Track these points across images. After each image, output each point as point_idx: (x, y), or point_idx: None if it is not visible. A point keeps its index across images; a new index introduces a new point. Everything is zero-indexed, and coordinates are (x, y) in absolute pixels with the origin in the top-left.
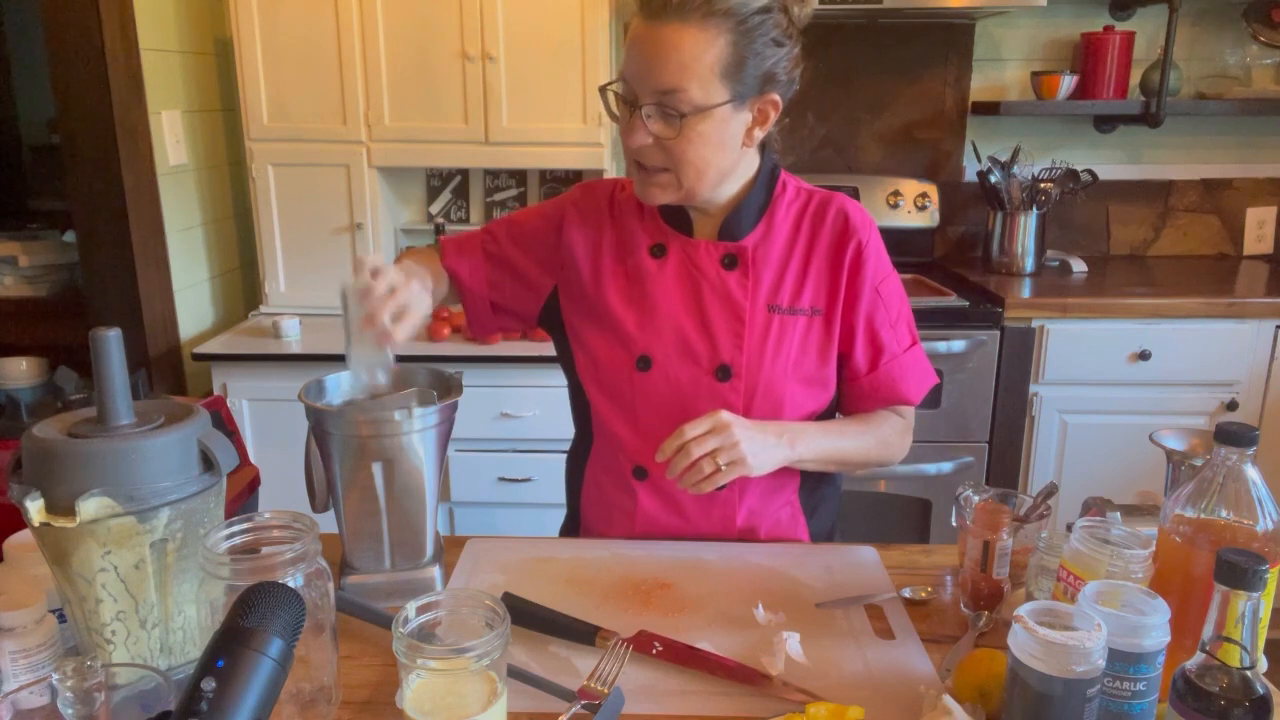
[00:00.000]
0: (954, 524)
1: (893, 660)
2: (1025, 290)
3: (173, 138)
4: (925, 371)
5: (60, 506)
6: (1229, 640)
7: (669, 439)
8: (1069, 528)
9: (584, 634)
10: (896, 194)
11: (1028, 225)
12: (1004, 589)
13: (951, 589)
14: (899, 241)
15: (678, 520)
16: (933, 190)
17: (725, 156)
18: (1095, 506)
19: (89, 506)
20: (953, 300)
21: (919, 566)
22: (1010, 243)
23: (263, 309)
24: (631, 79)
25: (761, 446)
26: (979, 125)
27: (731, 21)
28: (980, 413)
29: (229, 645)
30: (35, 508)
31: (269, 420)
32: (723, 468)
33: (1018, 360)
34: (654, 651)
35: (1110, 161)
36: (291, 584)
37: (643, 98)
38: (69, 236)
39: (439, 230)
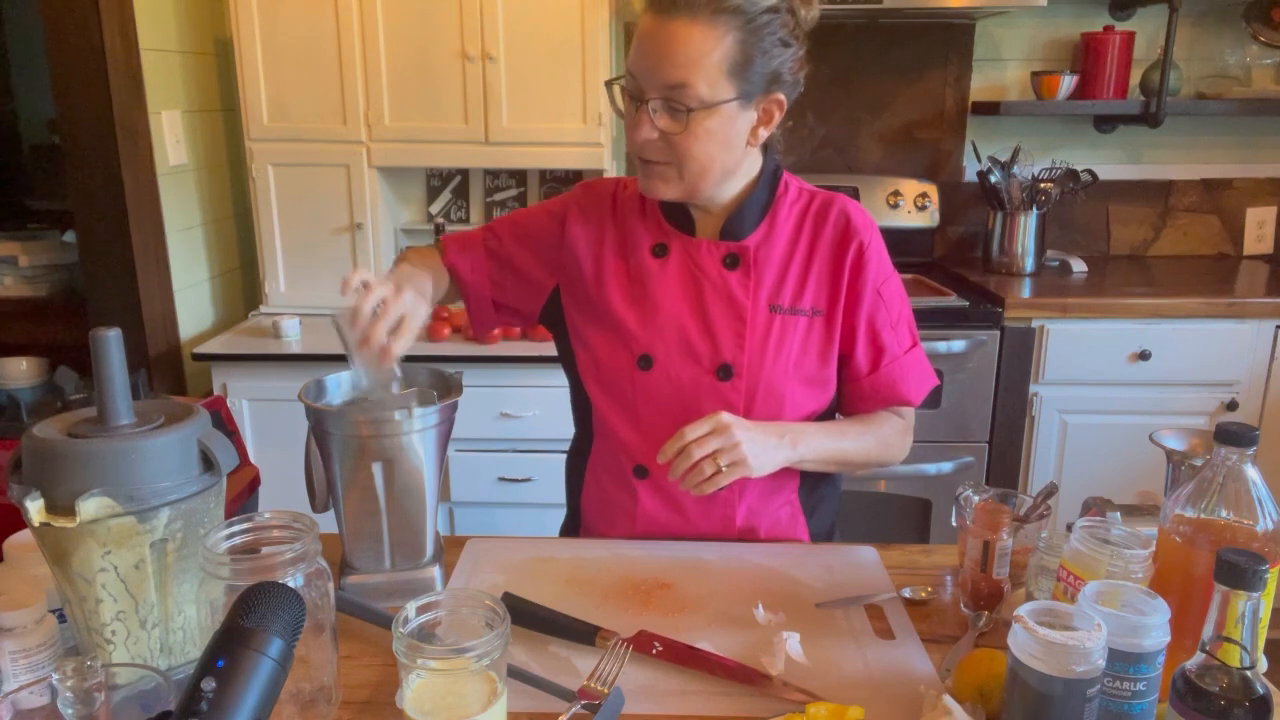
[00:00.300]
0: (954, 524)
1: (893, 660)
2: (1025, 290)
3: (173, 138)
4: (926, 373)
5: (60, 506)
6: (1229, 640)
7: (670, 441)
8: (1069, 528)
9: (584, 634)
10: (896, 194)
11: (1028, 225)
12: (1004, 589)
13: (951, 589)
14: (899, 241)
15: (678, 519)
16: (933, 190)
17: (729, 154)
18: (1095, 506)
19: (89, 506)
20: (953, 300)
21: (919, 566)
22: (1010, 243)
23: (263, 309)
24: (638, 73)
25: (763, 447)
26: (979, 125)
27: (740, 19)
28: (980, 413)
29: (229, 645)
30: (35, 508)
31: (269, 420)
32: (724, 469)
33: (1018, 360)
34: (654, 651)
35: (1110, 161)
36: (291, 584)
37: (649, 92)
38: (69, 236)
39: (439, 230)
